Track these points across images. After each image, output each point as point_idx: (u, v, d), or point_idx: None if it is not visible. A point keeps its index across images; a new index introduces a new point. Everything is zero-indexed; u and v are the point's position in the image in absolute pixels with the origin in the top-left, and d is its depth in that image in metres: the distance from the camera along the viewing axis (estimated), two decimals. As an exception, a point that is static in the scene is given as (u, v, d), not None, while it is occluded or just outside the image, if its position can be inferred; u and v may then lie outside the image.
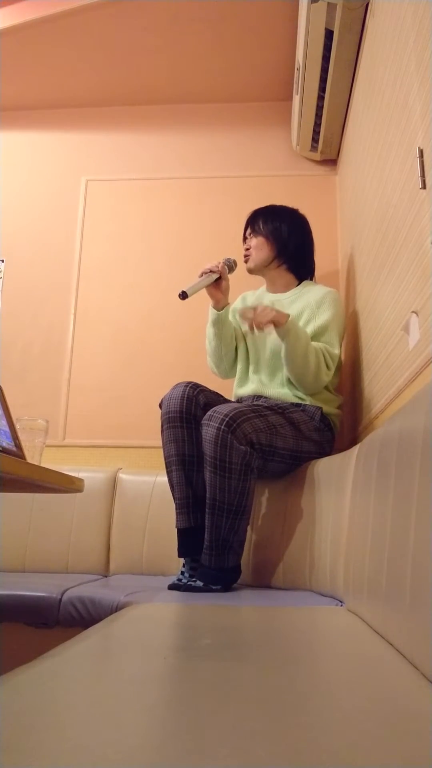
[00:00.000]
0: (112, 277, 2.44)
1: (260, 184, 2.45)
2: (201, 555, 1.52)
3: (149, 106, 2.60)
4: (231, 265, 1.81)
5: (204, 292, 1.75)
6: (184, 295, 1.62)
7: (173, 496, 1.60)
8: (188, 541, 1.57)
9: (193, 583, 1.47)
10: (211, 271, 1.72)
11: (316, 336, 1.70)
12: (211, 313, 1.80)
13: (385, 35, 1.47)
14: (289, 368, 1.66)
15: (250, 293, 1.97)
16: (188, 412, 1.58)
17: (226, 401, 1.69)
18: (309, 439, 1.62)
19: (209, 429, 1.46)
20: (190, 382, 1.63)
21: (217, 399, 1.67)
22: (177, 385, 1.64)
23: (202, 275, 1.72)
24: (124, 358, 2.34)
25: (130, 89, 2.52)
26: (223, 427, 1.44)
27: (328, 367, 1.66)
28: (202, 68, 2.38)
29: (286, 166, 2.48)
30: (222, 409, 1.47)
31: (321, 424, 1.66)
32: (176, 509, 1.59)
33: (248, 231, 1.91)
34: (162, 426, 1.61)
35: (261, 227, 1.86)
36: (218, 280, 1.74)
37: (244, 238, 1.92)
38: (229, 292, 1.79)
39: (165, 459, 1.61)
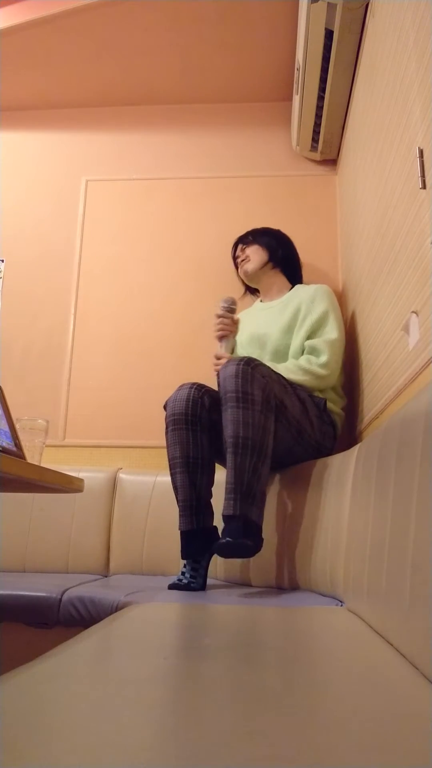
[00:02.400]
0: (112, 277, 2.44)
1: (260, 184, 2.45)
2: (203, 557, 1.54)
3: (149, 106, 2.60)
4: (232, 307, 1.98)
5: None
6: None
7: (176, 497, 1.58)
8: (191, 543, 1.55)
9: (193, 583, 1.48)
10: (224, 336, 1.89)
11: (315, 329, 1.74)
12: None
13: (385, 35, 1.47)
14: None
15: (244, 313, 2.05)
16: (194, 414, 1.57)
17: None
18: (310, 420, 1.63)
19: (229, 367, 1.46)
20: (195, 383, 1.63)
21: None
22: (182, 386, 1.64)
23: (221, 340, 1.92)
24: (124, 358, 2.34)
25: (131, 89, 2.52)
26: (242, 364, 1.45)
27: (319, 355, 1.69)
28: (202, 68, 2.38)
29: (286, 166, 2.48)
30: (238, 356, 1.53)
31: (325, 415, 1.67)
32: (180, 511, 1.57)
33: (239, 248, 2.05)
34: (167, 427, 1.60)
35: (251, 239, 2.01)
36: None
37: (234, 258, 2.07)
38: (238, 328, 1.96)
39: (169, 460, 1.60)
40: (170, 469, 1.60)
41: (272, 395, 1.47)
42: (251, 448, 1.40)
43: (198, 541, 1.55)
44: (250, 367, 1.45)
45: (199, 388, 1.61)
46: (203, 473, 1.57)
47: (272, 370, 1.55)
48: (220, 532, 1.48)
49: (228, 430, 1.43)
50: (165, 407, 1.64)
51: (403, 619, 0.72)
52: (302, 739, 0.44)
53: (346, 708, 0.53)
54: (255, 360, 1.50)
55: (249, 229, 2.11)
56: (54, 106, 2.63)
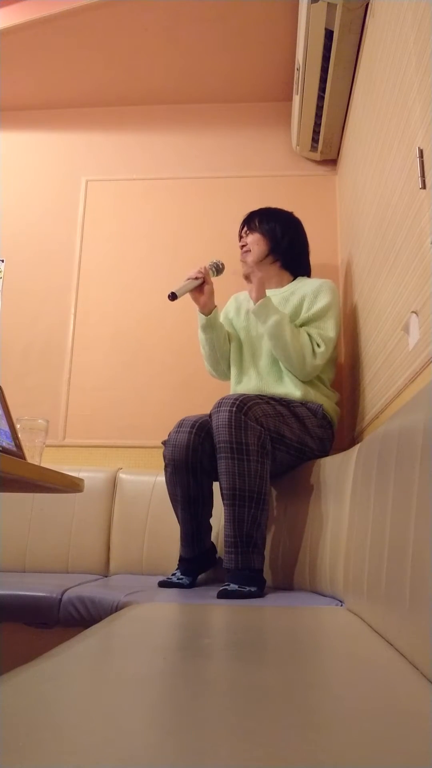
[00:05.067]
0: (112, 277, 2.44)
1: (260, 184, 2.45)
2: (201, 569, 1.62)
3: (149, 106, 2.60)
4: (218, 267, 1.84)
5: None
6: (173, 296, 1.64)
7: (180, 526, 1.64)
8: (190, 565, 1.62)
9: (182, 580, 1.55)
10: (196, 278, 1.74)
11: (313, 321, 1.72)
12: (200, 318, 1.81)
13: (385, 35, 1.47)
14: (273, 348, 1.68)
15: (243, 293, 1.96)
16: (194, 460, 1.57)
17: None
18: (312, 435, 1.62)
19: (220, 414, 1.44)
20: (195, 424, 1.58)
21: None
22: (182, 425, 1.60)
23: (187, 280, 1.74)
24: (124, 359, 2.34)
25: (130, 89, 2.52)
26: (234, 409, 1.43)
27: (318, 345, 1.68)
28: (202, 68, 2.38)
29: (286, 166, 2.48)
30: (229, 397, 1.48)
31: (323, 421, 1.67)
32: (181, 540, 1.63)
33: (244, 229, 1.94)
34: (166, 468, 1.61)
35: (257, 225, 1.90)
36: (202, 284, 1.76)
37: (240, 237, 1.95)
38: (213, 295, 1.80)
39: (170, 496, 1.63)
40: (171, 503, 1.64)
41: (267, 439, 1.47)
42: (248, 498, 1.41)
43: (196, 563, 1.63)
44: (242, 414, 1.43)
45: (200, 431, 1.57)
46: (204, 505, 1.62)
47: (267, 405, 1.52)
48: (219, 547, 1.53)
49: (223, 482, 1.43)
50: (164, 443, 1.62)
51: (403, 619, 0.72)
52: (302, 739, 0.44)
53: (346, 708, 0.53)
54: (247, 401, 1.47)
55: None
56: (54, 106, 2.63)
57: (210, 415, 1.50)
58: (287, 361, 1.67)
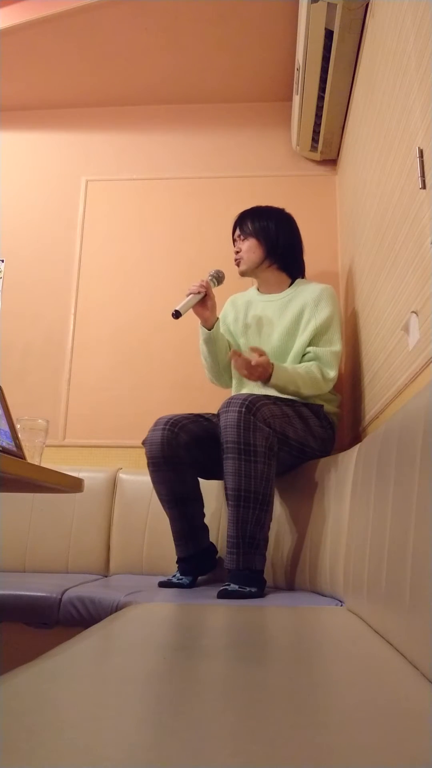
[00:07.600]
0: (112, 277, 2.44)
1: (260, 185, 2.45)
2: (202, 574, 1.61)
3: (149, 106, 2.60)
4: (219, 277, 1.81)
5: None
6: (177, 314, 1.62)
7: (171, 526, 1.63)
8: (189, 565, 1.61)
9: (182, 580, 1.56)
10: (198, 292, 1.71)
11: (318, 335, 1.70)
12: (202, 332, 1.79)
13: (385, 35, 1.47)
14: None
15: (240, 295, 1.96)
16: (171, 455, 1.57)
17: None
18: (315, 435, 1.62)
19: (229, 414, 1.43)
20: (169, 420, 1.59)
21: (201, 430, 1.63)
22: (156, 423, 1.61)
23: (188, 295, 1.71)
24: (124, 358, 2.34)
25: (130, 89, 2.52)
26: (243, 410, 1.42)
27: (328, 368, 1.67)
28: (202, 68, 2.38)
29: (286, 167, 2.48)
30: (239, 396, 1.47)
31: (324, 421, 1.67)
32: (175, 540, 1.62)
33: (236, 233, 1.90)
34: (148, 467, 1.61)
35: (249, 227, 1.85)
36: (204, 297, 1.73)
37: (234, 241, 1.91)
38: (216, 308, 1.78)
39: (157, 495, 1.63)
40: (160, 501, 1.64)
41: (274, 441, 1.46)
42: (253, 500, 1.40)
43: (195, 562, 1.62)
44: (251, 414, 1.42)
45: (173, 427, 1.58)
46: (192, 504, 1.62)
47: (274, 405, 1.50)
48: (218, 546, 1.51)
49: (229, 482, 1.42)
50: (143, 443, 1.62)
51: (403, 619, 0.72)
52: (302, 739, 0.44)
53: (346, 708, 0.53)
54: (256, 402, 1.45)
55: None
56: (54, 106, 2.63)
57: (218, 414, 1.49)
58: (309, 396, 1.67)
